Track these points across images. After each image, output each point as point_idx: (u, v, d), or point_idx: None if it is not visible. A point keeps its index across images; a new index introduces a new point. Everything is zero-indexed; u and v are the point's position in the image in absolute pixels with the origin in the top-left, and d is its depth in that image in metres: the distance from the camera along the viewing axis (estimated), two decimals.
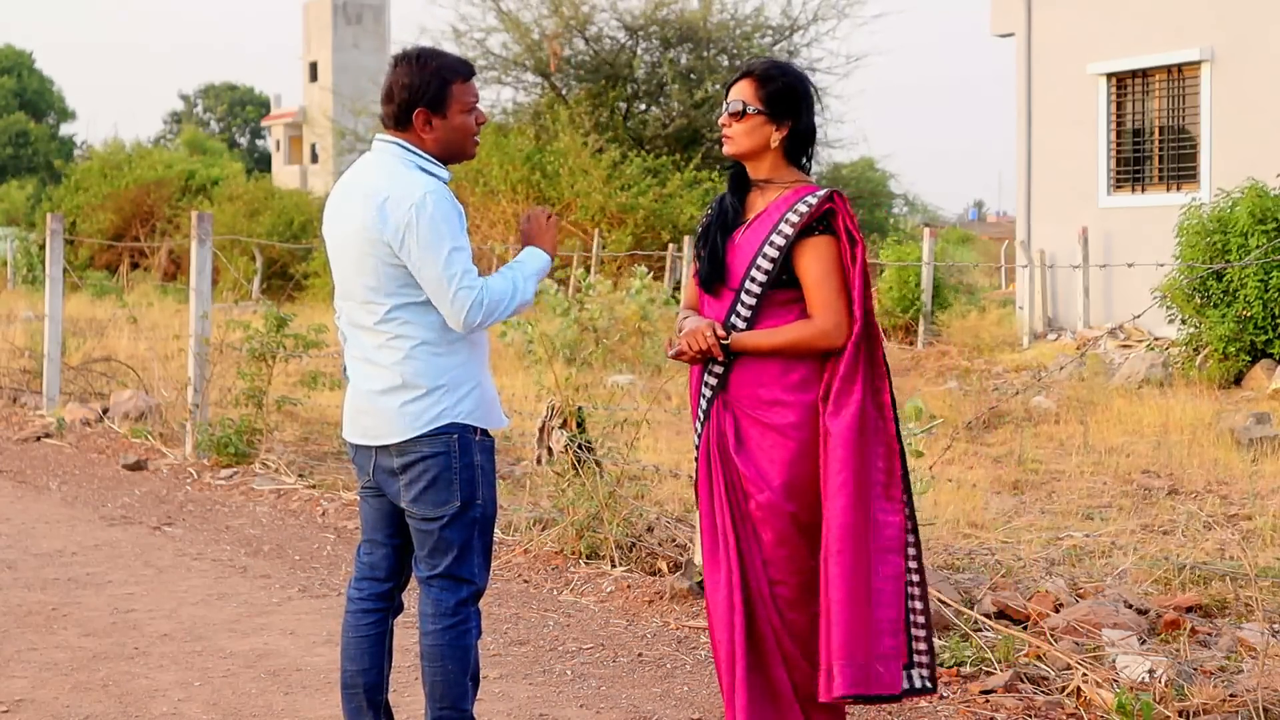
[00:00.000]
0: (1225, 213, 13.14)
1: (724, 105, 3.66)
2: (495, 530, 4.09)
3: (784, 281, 3.54)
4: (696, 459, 3.68)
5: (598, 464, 6.74)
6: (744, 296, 3.55)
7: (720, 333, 3.54)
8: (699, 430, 3.66)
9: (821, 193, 3.54)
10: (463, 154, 3.71)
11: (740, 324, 3.56)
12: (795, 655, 3.58)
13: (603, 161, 25.13)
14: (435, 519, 3.64)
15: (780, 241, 3.51)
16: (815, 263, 3.51)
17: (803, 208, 3.52)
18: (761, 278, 3.53)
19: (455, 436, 3.62)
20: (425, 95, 3.62)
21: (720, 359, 3.56)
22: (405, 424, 3.61)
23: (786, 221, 3.52)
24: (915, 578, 3.55)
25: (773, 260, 3.52)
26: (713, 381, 3.61)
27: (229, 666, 5.08)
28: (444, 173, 3.68)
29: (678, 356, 3.61)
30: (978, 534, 6.88)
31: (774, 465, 3.52)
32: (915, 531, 3.57)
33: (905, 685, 3.52)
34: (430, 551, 3.68)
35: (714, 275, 3.61)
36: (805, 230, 3.51)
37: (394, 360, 3.62)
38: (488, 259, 20.94)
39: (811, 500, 3.53)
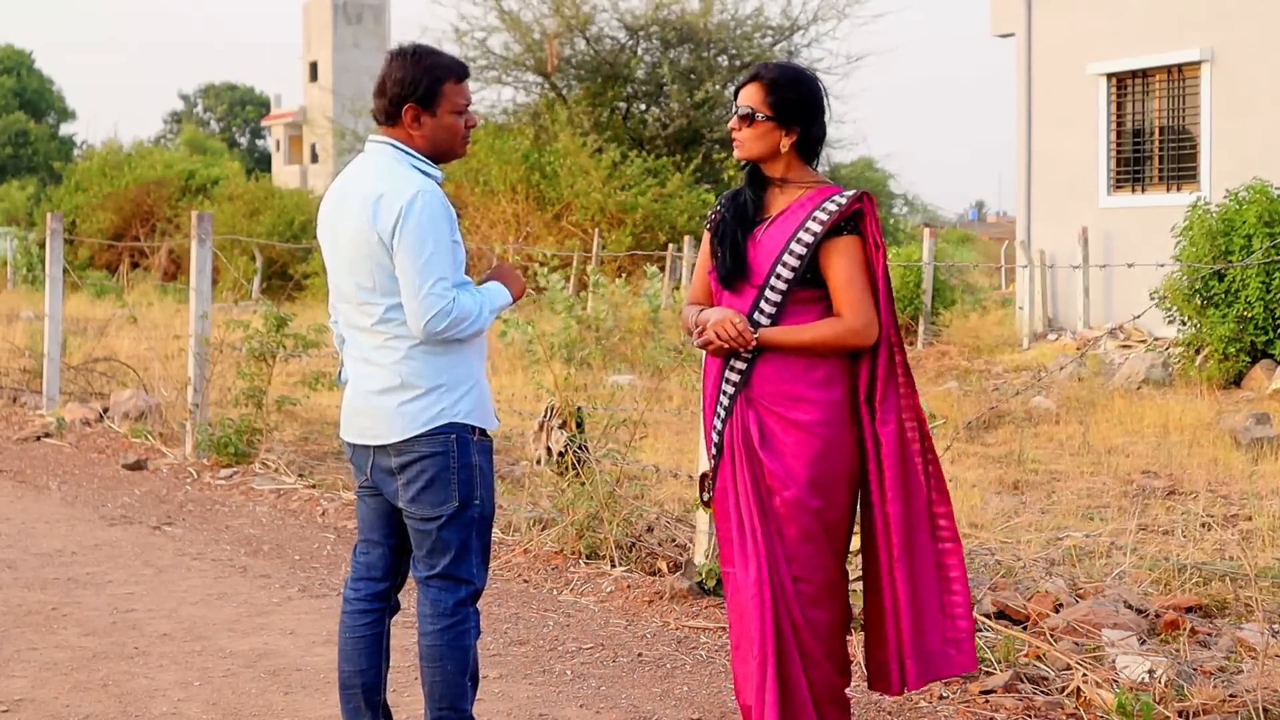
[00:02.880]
0: (1233, 213, 13.13)
1: (734, 108, 3.66)
2: (495, 530, 4.08)
3: (807, 280, 3.54)
4: (718, 456, 3.67)
5: (586, 463, 6.74)
6: (768, 293, 3.55)
7: (747, 325, 3.55)
8: (719, 428, 3.65)
9: (851, 193, 3.56)
10: (451, 154, 3.71)
11: (764, 320, 3.56)
12: (816, 653, 3.59)
13: (602, 161, 25.12)
14: (433, 519, 3.64)
15: (808, 239, 3.52)
16: (844, 261, 3.52)
17: (832, 206, 3.53)
18: (788, 274, 3.53)
19: (453, 436, 3.62)
20: (416, 91, 3.61)
21: (750, 348, 3.56)
22: (403, 424, 3.61)
23: (814, 219, 3.53)
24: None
25: (800, 257, 3.52)
26: (735, 378, 3.61)
27: (229, 666, 5.08)
28: (437, 172, 3.68)
29: (705, 345, 3.61)
30: (978, 534, 6.87)
31: (798, 461, 3.53)
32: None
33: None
34: (428, 552, 3.68)
35: (736, 271, 3.61)
36: (833, 229, 3.52)
37: (392, 360, 3.62)
38: (488, 259, 20.93)
39: (839, 498, 3.57)
